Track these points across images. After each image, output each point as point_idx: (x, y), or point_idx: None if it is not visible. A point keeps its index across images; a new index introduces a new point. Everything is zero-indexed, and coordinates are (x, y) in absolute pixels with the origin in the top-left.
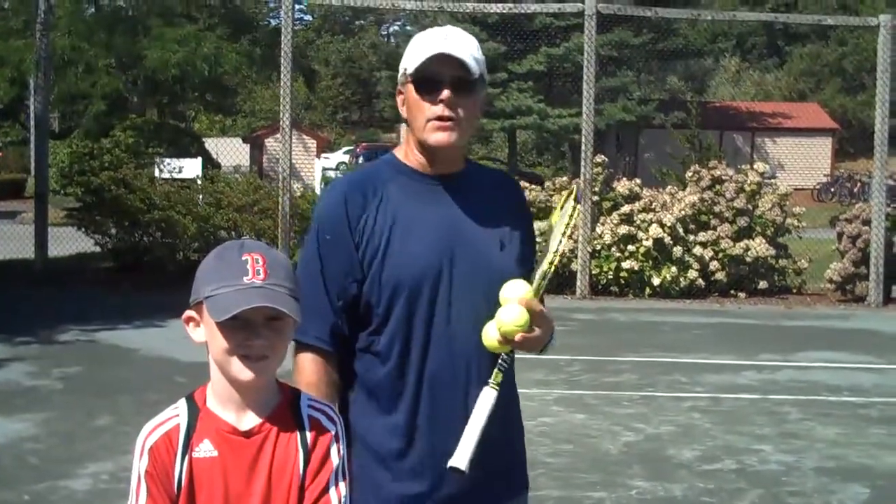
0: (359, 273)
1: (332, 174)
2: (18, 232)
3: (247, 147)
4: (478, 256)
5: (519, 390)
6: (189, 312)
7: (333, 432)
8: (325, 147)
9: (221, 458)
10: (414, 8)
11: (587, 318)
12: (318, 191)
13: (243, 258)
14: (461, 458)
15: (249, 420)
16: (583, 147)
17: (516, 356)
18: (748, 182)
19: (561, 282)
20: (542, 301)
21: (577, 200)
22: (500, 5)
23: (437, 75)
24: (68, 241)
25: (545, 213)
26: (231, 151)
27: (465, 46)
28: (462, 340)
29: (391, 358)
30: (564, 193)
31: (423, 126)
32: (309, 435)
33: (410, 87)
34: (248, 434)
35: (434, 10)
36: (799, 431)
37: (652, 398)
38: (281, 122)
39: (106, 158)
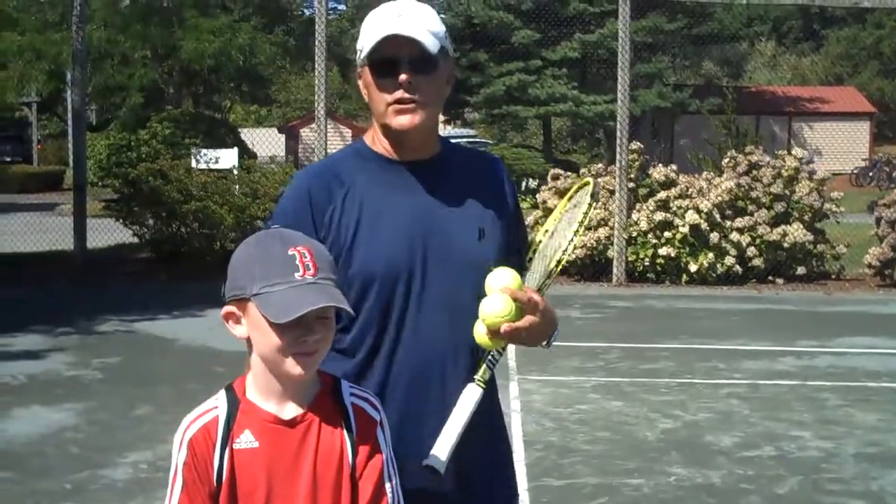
0: None
1: None
2: (57, 224)
3: (282, 137)
4: (452, 247)
5: (555, 378)
6: (229, 308)
7: (378, 419)
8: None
9: (263, 449)
10: None
11: (624, 306)
12: None
13: (290, 252)
14: (438, 457)
15: (291, 409)
16: (618, 134)
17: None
18: (785, 167)
19: (597, 269)
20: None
21: (594, 198)
22: None
23: (393, 57)
24: (106, 233)
25: None
26: (267, 142)
27: (420, 22)
28: (436, 336)
29: (358, 354)
30: (577, 184)
31: (385, 111)
32: (354, 423)
33: (367, 70)
34: (291, 423)
35: None
36: (838, 418)
37: (689, 385)
38: (316, 112)
39: (143, 150)
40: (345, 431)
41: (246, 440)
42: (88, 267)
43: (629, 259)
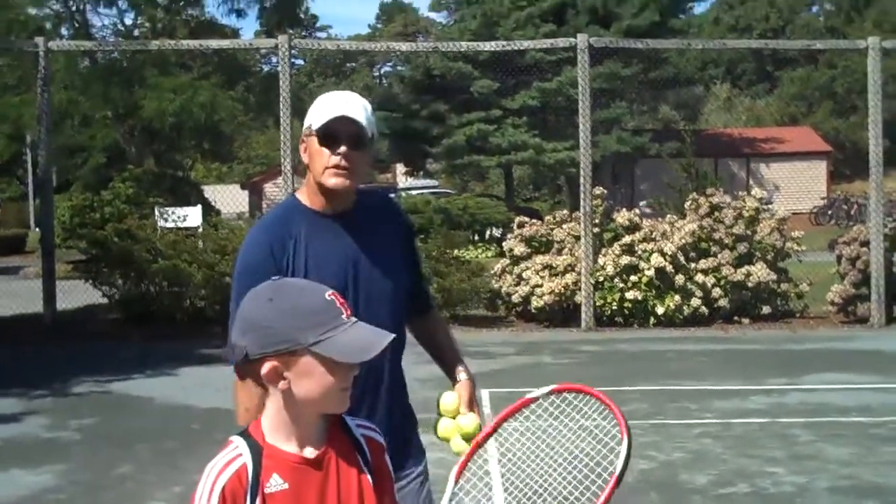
0: None
1: None
2: (23, 287)
3: (245, 193)
4: (373, 280)
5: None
6: (273, 363)
7: (385, 445)
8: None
9: (292, 490)
10: (408, 50)
11: (593, 350)
12: None
13: (328, 297)
14: None
15: (311, 450)
16: (581, 180)
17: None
18: (746, 208)
19: (566, 315)
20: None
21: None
22: (492, 43)
23: (338, 133)
24: (75, 294)
25: (546, 246)
26: (230, 198)
27: (361, 111)
28: None
29: None
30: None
31: (322, 171)
32: (370, 455)
33: (314, 139)
34: (315, 463)
35: (428, 50)
36: (810, 453)
37: (662, 426)
38: (283, 166)
39: (107, 210)
40: (361, 463)
41: (276, 483)
42: (59, 328)
43: (597, 304)
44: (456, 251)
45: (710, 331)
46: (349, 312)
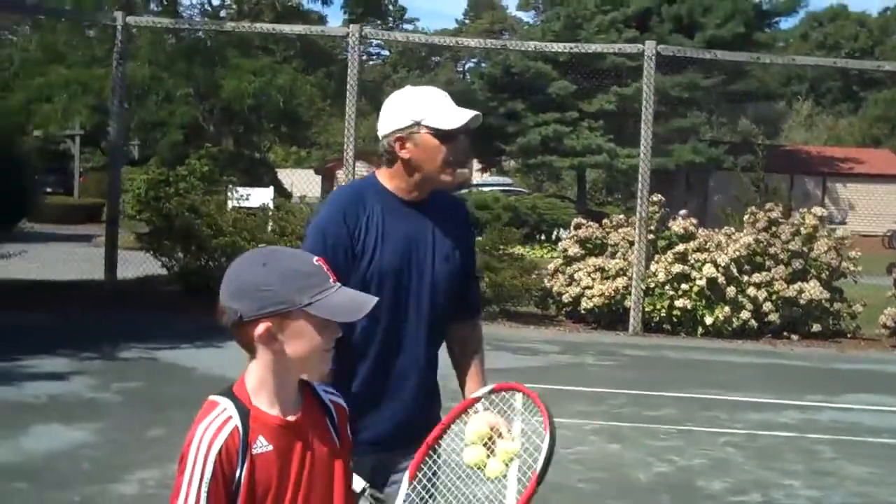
0: (351, 268)
1: None
2: (92, 254)
3: (318, 178)
4: (429, 265)
5: (558, 419)
6: (266, 324)
7: (347, 410)
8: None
9: (276, 452)
10: (476, 46)
11: (637, 355)
12: None
13: (316, 263)
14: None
15: (292, 412)
16: (639, 186)
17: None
18: (805, 225)
19: (614, 318)
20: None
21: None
22: (561, 45)
23: (464, 135)
24: (138, 264)
25: (601, 249)
26: (304, 182)
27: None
28: (411, 327)
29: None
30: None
31: (443, 168)
32: (337, 418)
33: (428, 136)
34: (295, 425)
35: (497, 48)
36: (831, 469)
37: (689, 432)
38: (344, 154)
39: (181, 185)
40: (330, 426)
41: (261, 445)
42: (117, 296)
43: (646, 309)
44: (510, 247)
45: (758, 344)
46: (335, 277)
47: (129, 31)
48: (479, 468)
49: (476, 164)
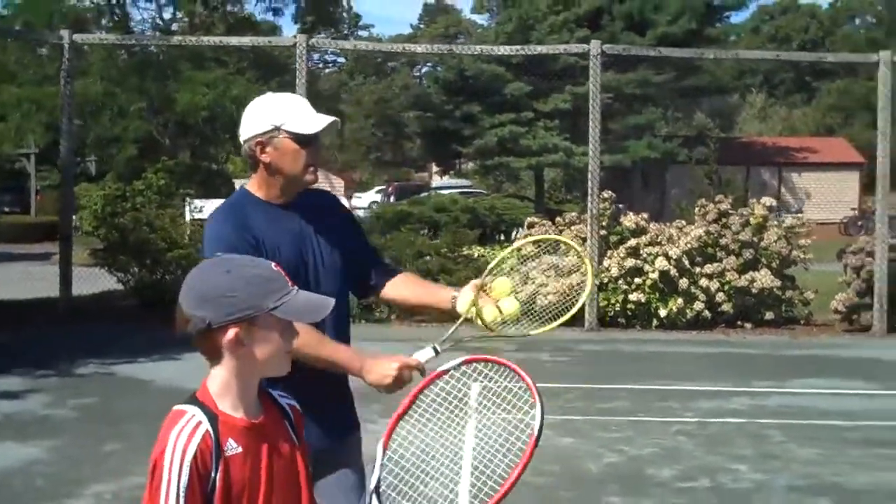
0: None
1: (361, 213)
2: (49, 272)
3: None
4: (322, 258)
5: (510, 416)
6: (235, 330)
7: (303, 414)
8: (356, 187)
9: (245, 453)
10: (426, 52)
11: (592, 349)
12: None
13: (276, 269)
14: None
15: (255, 415)
16: (589, 183)
17: None
18: (754, 215)
19: None
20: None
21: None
22: (507, 48)
23: (320, 138)
24: (94, 280)
25: (554, 247)
26: None
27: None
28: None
29: None
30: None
31: (304, 170)
32: (294, 420)
33: (288, 140)
34: (260, 427)
35: (444, 52)
36: (778, 452)
37: (641, 423)
38: None
39: (138, 200)
40: (290, 428)
41: (232, 447)
42: (73, 313)
43: (600, 305)
44: (465, 249)
45: (712, 334)
46: (291, 282)
47: (77, 49)
48: (504, 317)
49: (434, 167)
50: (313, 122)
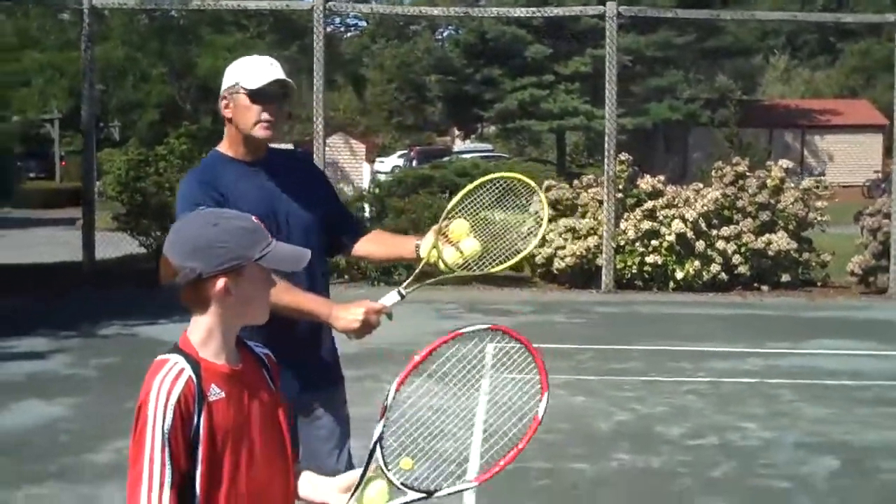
0: None
1: (383, 177)
2: (74, 237)
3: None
4: (292, 213)
5: (525, 375)
6: (225, 279)
7: (278, 364)
8: (379, 151)
9: (228, 398)
10: (441, 14)
11: (608, 311)
12: (366, 191)
13: (255, 221)
14: None
15: (235, 362)
16: (606, 146)
17: None
18: (771, 177)
19: (587, 277)
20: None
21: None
22: (522, 10)
23: (270, 93)
24: (118, 245)
25: (571, 209)
26: None
27: (284, 73)
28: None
29: None
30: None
31: (253, 125)
32: (270, 368)
33: (242, 96)
34: (241, 373)
35: (460, 15)
36: (788, 411)
37: (653, 383)
38: (314, 127)
39: (160, 165)
40: (267, 376)
41: (215, 392)
42: (96, 276)
43: (617, 267)
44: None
45: (729, 296)
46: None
47: (98, 14)
48: (465, 257)
49: (456, 132)
50: (261, 76)
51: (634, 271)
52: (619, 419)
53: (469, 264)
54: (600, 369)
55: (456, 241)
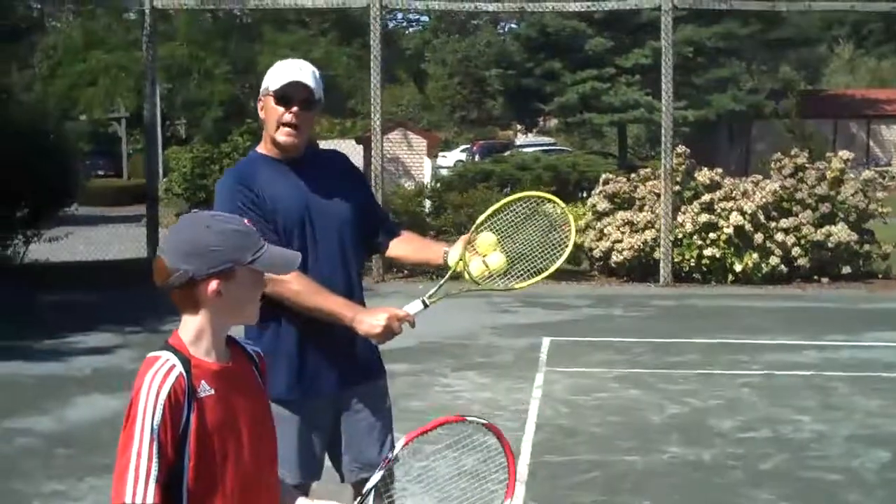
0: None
1: (444, 172)
2: (139, 234)
3: (360, 148)
4: (325, 214)
5: (581, 369)
6: (217, 281)
7: (266, 363)
8: (440, 146)
9: (218, 395)
10: (495, 10)
11: (666, 304)
12: (427, 186)
13: (248, 223)
14: None
15: (225, 360)
16: (663, 138)
17: None
18: (830, 169)
19: (645, 270)
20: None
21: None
22: (575, 4)
23: (291, 95)
24: None
25: (629, 203)
26: (349, 152)
27: (311, 77)
28: (327, 262)
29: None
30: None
31: (276, 128)
32: (259, 366)
33: (270, 99)
34: (231, 371)
35: (514, 10)
36: (841, 404)
37: (708, 376)
38: (372, 123)
39: (225, 162)
40: (256, 373)
41: (204, 389)
42: None
43: (675, 260)
44: None
45: (788, 289)
46: (261, 236)
47: (163, 14)
48: (490, 271)
49: (518, 126)
50: (284, 79)
51: (693, 264)
52: (671, 412)
53: (494, 278)
54: (655, 362)
55: (483, 254)
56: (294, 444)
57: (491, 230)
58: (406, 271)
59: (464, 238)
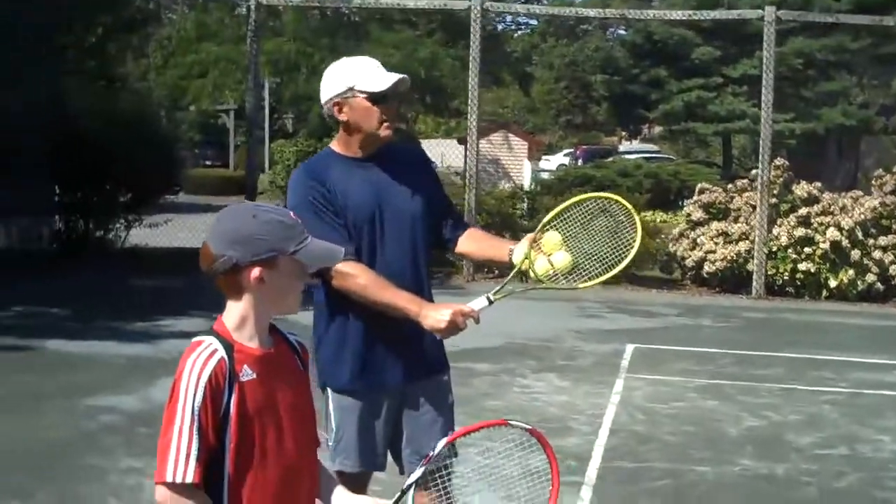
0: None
1: (546, 175)
2: None
3: (461, 148)
4: (396, 209)
5: (661, 377)
6: (260, 268)
7: (309, 353)
8: (543, 149)
9: (259, 379)
10: (597, 16)
11: (755, 317)
12: (522, 188)
13: (293, 216)
14: None
15: (268, 346)
16: (760, 150)
17: None
18: None
19: (737, 282)
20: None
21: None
22: (678, 13)
23: (395, 94)
24: None
25: (724, 213)
26: (447, 152)
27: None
28: (396, 257)
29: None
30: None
31: (379, 125)
32: (302, 356)
33: (360, 99)
34: (274, 356)
35: (616, 17)
36: None
37: (791, 391)
38: (468, 123)
39: None
40: (299, 363)
41: (247, 373)
42: None
43: (769, 273)
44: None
45: (884, 308)
46: (305, 230)
47: (269, 9)
48: (556, 269)
49: (622, 132)
50: (382, 79)
51: (786, 278)
52: (748, 424)
53: (558, 277)
54: (738, 374)
55: (548, 252)
56: (354, 434)
57: (557, 229)
58: (496, 271)
59: (529, 236)
